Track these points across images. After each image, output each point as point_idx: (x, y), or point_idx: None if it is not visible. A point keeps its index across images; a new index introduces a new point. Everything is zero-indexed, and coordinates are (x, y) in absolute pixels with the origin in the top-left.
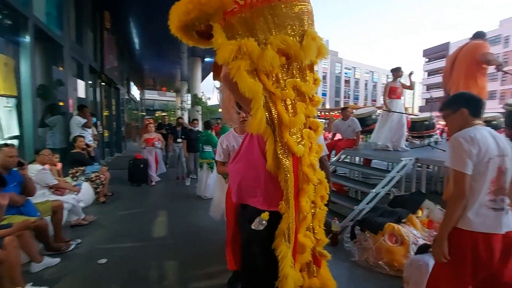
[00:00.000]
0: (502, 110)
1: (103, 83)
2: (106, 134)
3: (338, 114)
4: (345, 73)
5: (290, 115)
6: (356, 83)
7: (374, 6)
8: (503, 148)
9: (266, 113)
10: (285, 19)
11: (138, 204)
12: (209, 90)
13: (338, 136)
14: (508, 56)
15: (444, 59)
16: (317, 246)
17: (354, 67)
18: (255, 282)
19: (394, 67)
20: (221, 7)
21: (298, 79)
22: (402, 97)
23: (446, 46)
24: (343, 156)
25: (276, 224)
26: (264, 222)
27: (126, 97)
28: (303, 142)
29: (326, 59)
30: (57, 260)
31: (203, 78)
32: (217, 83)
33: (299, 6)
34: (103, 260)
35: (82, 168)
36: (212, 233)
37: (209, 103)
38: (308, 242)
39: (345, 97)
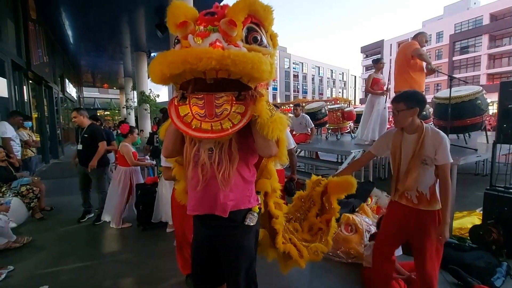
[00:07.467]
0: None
1: (31, 81)
2: (37, 139)
3: (288, 108)
4: (294, 68)
5: None
6: (304, 77)
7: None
8: None
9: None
10: None
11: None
12: (157, 87)
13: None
14: (431, 53)
15: (379, 55)
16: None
17: (302, 62)
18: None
19: (375, 59)
20: None
21: None
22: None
23: (380, 43)
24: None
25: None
26: (256, 214)
27: (61, 95)
28: None
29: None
30: None
31: None
32: None
33: None
34: None
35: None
36: (171, 241)
37: (158, 100)
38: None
39: (294, 91)
